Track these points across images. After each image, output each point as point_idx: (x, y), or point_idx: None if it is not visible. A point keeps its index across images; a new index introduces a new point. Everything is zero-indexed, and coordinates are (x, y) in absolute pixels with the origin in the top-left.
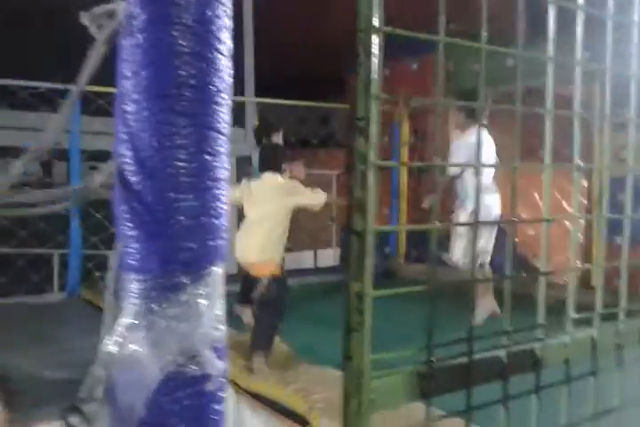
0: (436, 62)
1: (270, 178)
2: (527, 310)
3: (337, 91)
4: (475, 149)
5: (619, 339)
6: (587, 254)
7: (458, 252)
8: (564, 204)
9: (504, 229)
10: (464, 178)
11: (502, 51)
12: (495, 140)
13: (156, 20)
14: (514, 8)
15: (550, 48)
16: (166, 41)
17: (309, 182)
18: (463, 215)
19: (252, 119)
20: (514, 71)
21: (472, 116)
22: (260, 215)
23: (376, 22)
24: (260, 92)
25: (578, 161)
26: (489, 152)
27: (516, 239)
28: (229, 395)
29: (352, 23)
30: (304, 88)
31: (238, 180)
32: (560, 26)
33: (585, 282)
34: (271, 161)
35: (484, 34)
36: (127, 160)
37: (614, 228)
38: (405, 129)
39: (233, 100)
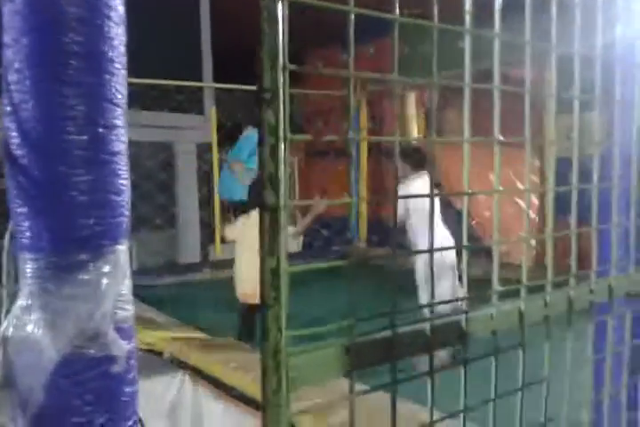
0: (392, 45)
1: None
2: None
3: (297, 73)
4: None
5: (546, 310)
6: (538, 232)
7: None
8: (519, 185)
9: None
10: (413, 227)
11: (452, 28)
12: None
13: None
14: None
15: (497, 26)
16: (48, 6)
17: None
18: (420, 264)
19: (210, 105)
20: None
21: (418, 167)
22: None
23: None
24: (219, 77)
25: (526, 136)
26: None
27: (473, 222)
28: (187, 381)
29: None
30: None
31: (199, 167)
32: (517, 9)
33: (540, 260)
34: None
35: (435, 13)
36: (12, 133)
37: (563, 207)
38: (363, 115)
39: (190, 86)
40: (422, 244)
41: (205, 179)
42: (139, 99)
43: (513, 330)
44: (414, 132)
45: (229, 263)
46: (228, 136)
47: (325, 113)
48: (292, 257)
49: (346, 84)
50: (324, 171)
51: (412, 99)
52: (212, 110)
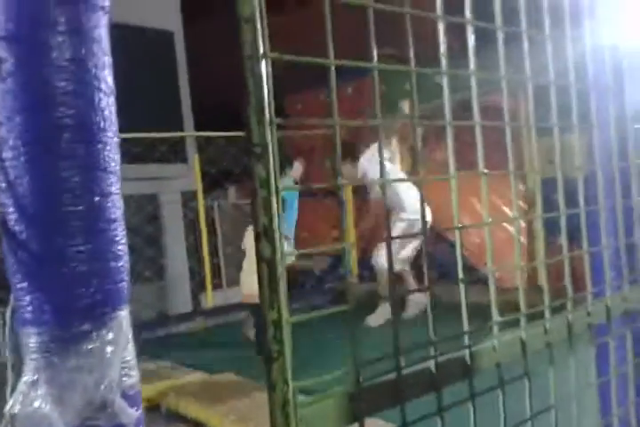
0: (368, 85)
1: None
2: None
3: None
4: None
5: (547, 337)
6: (531, 256)
7: (383, 259)
8: (505, 209)
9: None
10: (394, 189)
11: (429, 71)
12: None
13: (24, 63)
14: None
15: (472, 63)
16: (38, 83)
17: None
18: (400, 226)
19: (193, 153)
20: (441, 87)
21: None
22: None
23: (262, 49)
24: (200, 126)
25: (512, 167)
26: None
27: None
28: None
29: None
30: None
31: (185, 216)
32: (489, 37)
33: (532, 283)
34: None
35: (412, 57)
36: (9, 209)
37: (552, 228)
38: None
39: (172, 137)
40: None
41: (192, 227)
42: (123, 153)
43: (516, 360)
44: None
45: (223, 310)
46: (213, 183)
47: (307, 153)
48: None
49: (331, 131)
50: (312, 210)
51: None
52: (195, 158)
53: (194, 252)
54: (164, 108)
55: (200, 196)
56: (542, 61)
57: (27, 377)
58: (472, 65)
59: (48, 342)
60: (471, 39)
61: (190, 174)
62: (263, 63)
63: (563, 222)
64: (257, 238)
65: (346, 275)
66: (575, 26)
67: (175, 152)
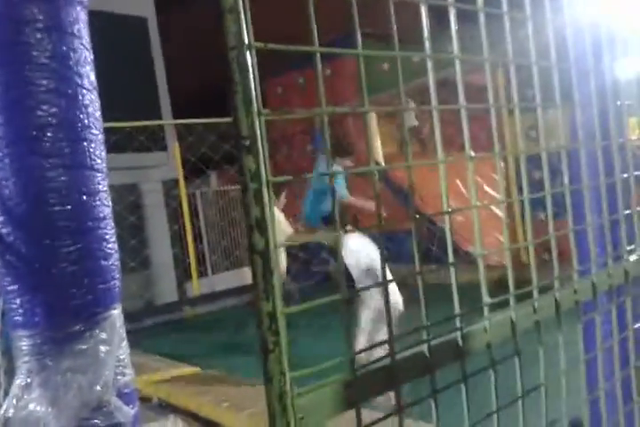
0: (347, 66)
1: None
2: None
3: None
4: None
5: (536, 316)
6: (512, 233)
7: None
8: (487, 188)
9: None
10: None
11: (413, 54)
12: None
13: (3, 63)
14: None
15: (455, 46)
16: (18, 83)
17: (240, 197)
18: (367, 313)
19: (172, 141)
20: (420, 65)
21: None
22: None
23: (247, 39)
24: (179, 113)
25: (497, 148)
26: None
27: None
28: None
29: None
30: (223, 103)
31: (167, 204)
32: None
33: (515, 260)
34: None
35: (396, 41)
36: None
37: (534, 204)
38: (327, 135)
39: (150, 126)
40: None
41: (174, 215)
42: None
43: (506, 340)
44: (379, 148)
45: (210, 298)
46: (194, 170)
47: (289, 137)
48: None
49: (317, 121)
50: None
51: (373, 116)
52: (175, 146)
53: (178, 240)
54: (141, 96)
55: (182, 184)
56: (523, 42)
57: (19, 380)
58: (455, 48)
59: (40, 344)
60: (454, 22)
61: (171, 163)
62: (248, 54)
63: (548, 201)
64: (249, 231)
65: (339, 266)
66: (554, 6)
67: (154, 140)
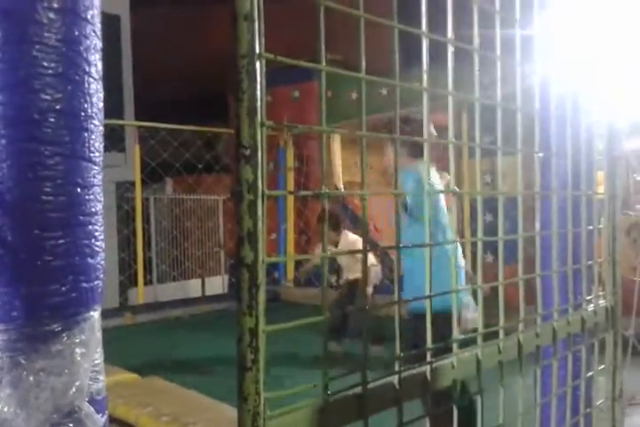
0: (317, 89)
1: None
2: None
3: (221, 113)
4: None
5: (500, 356)
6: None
7: None
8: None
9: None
10: None
11: (380, 80)
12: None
13: (12, 39)
14: (390, 41)
15: (424, 79)
16: (25, 62)
17: (195, 208)
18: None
19: (132, 143)
20: (387, 99)
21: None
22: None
23: (258, 49)
24: (141, 115)
25: (455, 187)
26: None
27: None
28: None
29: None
30: (188, 110)
31: (119, 207)
32: (435, 57)
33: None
34: None
35: (363, 64)
36: None
37: (484, 245)
38: (290, 154)
39: (111, 124)
40: None
41: (125, 219)
42: None
43: (470, 378)
44: (339, 170)
45: (153, 307)
46: (151, 175)
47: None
48: (216, 299)
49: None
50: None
51: (336, 138)
52: (135, 148)
53: (126, 245)
54: (105, 97)
55: (138, 187)
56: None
57: None
58: (425, 81)
59: (15, 340)
60: (425, 54)
61: (128, 164)
62: (258, 64)
63: (500, 246)
64: (240, 243)
65: (323, 285)
66: (528, 59)
67: (112, 140)
